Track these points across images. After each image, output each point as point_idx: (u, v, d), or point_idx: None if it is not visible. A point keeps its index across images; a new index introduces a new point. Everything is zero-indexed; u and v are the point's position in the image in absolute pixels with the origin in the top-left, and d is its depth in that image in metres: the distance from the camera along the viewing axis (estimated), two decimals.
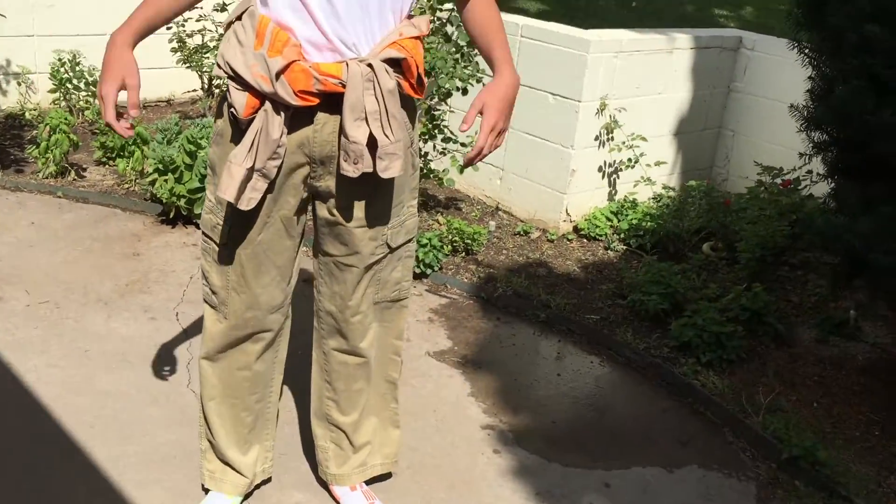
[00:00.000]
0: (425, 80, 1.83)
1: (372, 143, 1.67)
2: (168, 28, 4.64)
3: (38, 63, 4.74)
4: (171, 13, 1.71)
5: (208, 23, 4.52)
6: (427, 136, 3.77)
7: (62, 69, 4.55)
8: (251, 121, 1.66)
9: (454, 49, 3.60)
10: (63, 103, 4.63)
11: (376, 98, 1.66)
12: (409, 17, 1.76)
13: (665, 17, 6.49)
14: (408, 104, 1.78)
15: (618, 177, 4.03)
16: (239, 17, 1.69)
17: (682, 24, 6.12)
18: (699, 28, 4.56)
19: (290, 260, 1.85)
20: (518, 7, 6.77)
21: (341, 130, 1.67)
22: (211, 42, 4.60)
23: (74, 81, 4.57)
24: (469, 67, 3.58)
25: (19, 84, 4.71)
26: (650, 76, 3.96)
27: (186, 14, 4.51)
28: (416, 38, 1.73)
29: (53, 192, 3.79)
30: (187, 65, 4.63)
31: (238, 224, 1.77)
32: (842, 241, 2.23)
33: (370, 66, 1.65)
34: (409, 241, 1.93)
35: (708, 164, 4.42)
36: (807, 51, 2.43)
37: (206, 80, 4.79)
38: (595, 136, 3.86)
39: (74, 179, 3.97)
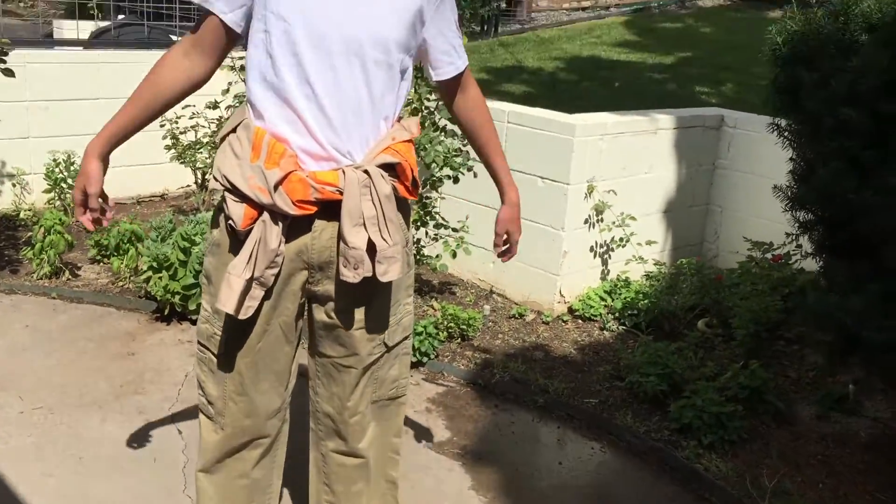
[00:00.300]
0: (419, 181, 1.87)
1: (370, 248, 1.69)
2: (161, 125, 4.73)
3: (32, 164, 4.81)
4: (143, 121, 1.76)
5: (201, 119, 4.60)
6: (419, 223, 3.81)
7: (57, 169, 4.61)
8: (249, 231, 1.68)
9: (444, 137, 3.67)
10: (58, 202, 4.68)
11: (373, 203, 1.69)
12: (399, 119, 1.81)
13: (648, 96, 6.64)
14: (402, 206, 1.81)
15: (609, 256, 4.06)
16: (234, 130, 1.73)
17: (664, 102, 6.26)
18: (682, 108, 4.67)
19: (288, 365, 1.85)
20: (503, 90, 6.93)
21: (340, 237, 1.69)
22: (204, 138, 4.68)
23: (69, 181, 4.62)
24: (460, 157, 3.64)
25: (14, 185, 4.77)
26: (636, 157, 4.03)
27: (179, 112, 4.63)
28: (408, 140, 1.78)
29: (48, 294, 3.80)
30: (181, 161, 4.70)
31: (236, 333, 1.77)
32: (834, 319, 2.24)
33: (366, 172, 1.68)
34: (406, 337, 1.94)
35: (698, 240, 4.46)
36: (786, 134, 2.49)
37: (199, 175, 4.85)
38: (585, 218, 3.90)
39: (69, 279, 3.98)
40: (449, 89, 1.90)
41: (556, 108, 5.95)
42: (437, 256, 3.94)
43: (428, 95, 3.70)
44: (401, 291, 1.87)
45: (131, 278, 3.94)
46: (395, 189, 1.73)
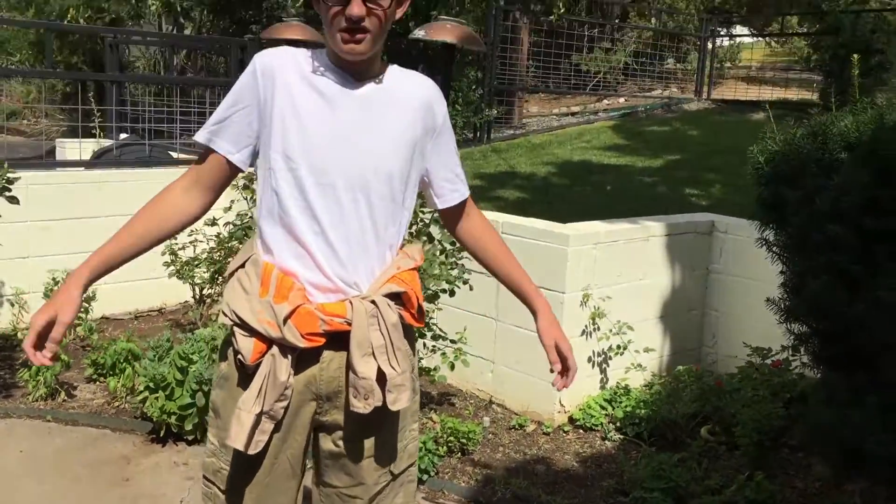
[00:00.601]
0: (425, 308, 1.89)
1: (380, 377, 1.70)
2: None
3: (31, 283, 4.83)
4: (134, 252, 1.72)
5: (200, 236, 4.66)
6: (417, 335, 3.81)
7: (56, 288, 4.63)
8: (258, 365, 1.68)
9: (439, 251, 3.71)
10: None
11: (381, 333, 1.70)
12: (402, 247, 1.84)
13: (639, 199, 6.74)
14: (408, 333, 1.82)
15: (608, 364, 4.05)
16: (242, 266, 1.76)
17: (655, 204, 6.35)
18: (673, 213, 4.74)
19: (294, 497, 1.82)
20: (497, 196, 7.04)
21: (349, 367, 1.70)
22: (202, 254, 4.73)
23: None
24: (455, 270, 3.67)
25: (12, 305, 4.79)
26: (630, 264, 4.08)
27: None
28: (413, 269, 1.81)
29: (43, 417, 3.76)
30: (179, 277, 4.73)
31: (244, 468, 1.74)
32: (836, 433, 2.23)
33: (373, 302, 1.70)
34: (412, 464, 1.92)
35: (696, 344, 4.46)
36: (775, 248, 2.54)
37: (197, 291, 4.88)
38: (582, 327, 3.91)
39: (64, 400, 3.95)
40: (453, 216, 1.93)
41: (550, 212, 6.04)
42: (435, 368, 3.92)
43: (422, 209, 3.76)
44: (407, 418, 1.86)
45: (127, 398, 3.91)
46: (401, 317, 1.75)
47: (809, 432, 2.50)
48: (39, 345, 1.63)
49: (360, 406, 1.69)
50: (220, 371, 1.80)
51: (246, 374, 1.71)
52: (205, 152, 1.75)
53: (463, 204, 1.92)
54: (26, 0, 9.14)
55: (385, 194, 1.72)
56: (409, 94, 1.76)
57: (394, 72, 1.77)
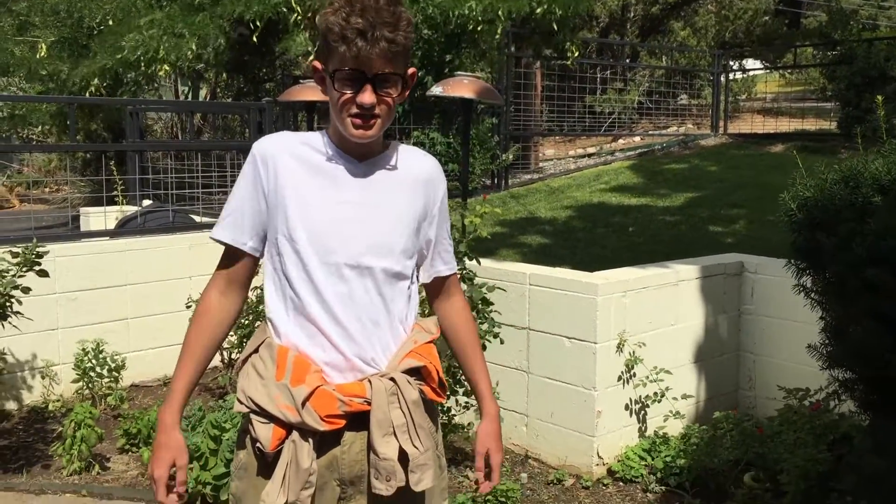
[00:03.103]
0: (445, 382, 1.86)
1: (402, 457, 1.66)
2: (187, 307, 4.81)
3: (61, 354, 4.85)
4: (202, 372, 1.77)
5: None
6: (449, 392, 3.78)
7: (86, 358, 4.65)
8: (278, 453, 1.66)
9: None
10: (86, 391, 4.69)
11: (402, 411, 1.68)
12: (417, 322, 1.82)
13: (663, 239, 6.71)
14: (430, 409, 1.79)
15: (646, 412, 3.98)
16: (256, 350, 1.74)
17: (679, 244, 6.33)
18: (699, 255, 4.70)
19: None
20: (519, 242, 7.04)
21: (370, 448, 1.66)
22: None
23: (98, 369, 4.65)
24: (485, 324, 3.65)
25: (43, 377, 4.80)
26: (661, 310, 4.03)
27: (197, 296, 4.71)
28: (430, 342, 1.79)
29: (78, 491, 3.74)
30: None
31: None
32: (888, 484, 2.16)
33: (392, 379, 1.68)
34: None
35: (732, 387, 4.39)
36: (812, 294, 2.49)
37: (226, 356, 4.88)
38: (617, 375, 3.86)
39: (98, 473, 3.93)
40: (434, 291, 1.92)
41: (573, 258, 6.03)
42: (469, 424, 3.88)
43: None
44: (435, 496, 1.82)
45: None
46: (422, 392, 1.73)
47: (860, 480, 2.43)
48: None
49: (383, 488, 1.65)
50: (238, 461, 1.76)
51: (266, 463, 1.68)
52: (229, 250, 1.77)
53: (445, 281, 1.90)
54: (48, 74, 9.36)
55: (390, 270, 1.72)
56: (410, 170, 1.78)
57: (396, 149, 1.79)
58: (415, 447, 1.67)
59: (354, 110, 1.65)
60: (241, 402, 1.71)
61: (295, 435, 1.65)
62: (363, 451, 1.69)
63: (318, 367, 1.67)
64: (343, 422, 1.66)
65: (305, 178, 1.70)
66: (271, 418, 1.66)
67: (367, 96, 1.63)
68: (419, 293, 1.86)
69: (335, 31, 1.61)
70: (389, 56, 1.62)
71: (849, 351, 2.31)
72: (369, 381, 1.67)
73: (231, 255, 1.77)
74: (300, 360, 1.67)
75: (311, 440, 1.65)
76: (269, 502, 1.63)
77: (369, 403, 1.66)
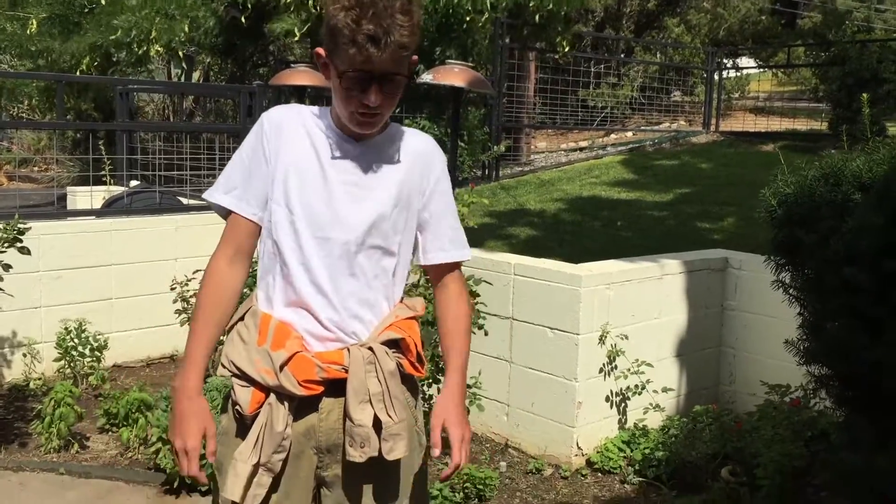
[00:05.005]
0: (424, 357, 1.87)
1: (377, 426, 1.68)
2: (172, 288, 4.79)
3: (43, 332, 4.83)
4: (215, 343, 1.75)
5: None
6: (431, 381, 3.78)
7: (68, 337, 4.63)
8: (256, 416, 1.68)
9: None
10: (68, 370, 4.67)
11: (378, 380, 1.70)
12: (402, 300, 1.84)
13: (651, 234, 6.72)
14: (409, 383, 1.81)
15: (626, 404, 4.00)
16: (241, 318, 1.76)
17: (667, 239, 6.33)
18: (685, 250, 4.72)
19: None
20: (507, 234, 7.03)
21: (346, 414, 1.68)
22: None
23: (80, 349, 4.63)
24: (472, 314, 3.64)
25: (24, 355, 4.78)
26: (644, 303, 4.04)
27: (189, 275, 4.69)
28: (412, 318, 1.80)
29: (56, 469, 3.73)
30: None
31: None
32: (862, 480, 2.18)
33: (370, 349, 1.70)
34: None
35: (713, 382, 4.41)
36: (791, 291, 2.51)
37: None
38: (598, 367, 3.87)
39: (77, 452, 3.93)
40: (433, 275, 1.90)
41: (561, 250, 6.03)
42: None
43: None
44: (410, 475, 1.82)
45: (141, 449, 3.88)
46: (400, 366, 1.75)
47: (835, 476, 2.45)
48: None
49: (357, 455, 1.67)
50: (221, 426, 1.78)
51: (244, 426, 1.71)
52: (234, 217, 1.75)
53: (441, 268, 1.86)
54: (38, 51, 9.28)
55: (380, 247, 1.74)
56: (407, 150, 1.80)
57: (393, 129, 1.81)
58: (389, 416, 1.69)
59: (360, 109, 1.66)
60: (223, 367, 1.73)
61: (272, 398, 1.67)
62: (340, 419, 1.71)
63: (300, 334, 1.69)
64: (320, 388, 1.69)
65: (306, 152, 1.72)
66: (251, 382, 1.68)
67: (374, 98, 1.64)
68: (415, 274, 1.87)
69: (345, 34, 1.59)
70: (398, 58, 1.62)
71: (825, 347, 2.32)
72: (348, 350, 1.70)
73: (235, 222, 1.76)
74: (282, 326, 1.69)
75: (286, 404, 1.67)
76: (240, 461, 1.65)
77: (347, 371, 1.67)
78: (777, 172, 2.50)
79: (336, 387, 1.69)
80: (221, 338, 1.76)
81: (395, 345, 1.75)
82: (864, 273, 2.08)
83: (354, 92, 1.64)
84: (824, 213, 2.26)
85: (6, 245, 3.78)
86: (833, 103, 9.90)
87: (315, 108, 1.79)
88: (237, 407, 1.70)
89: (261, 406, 1.68)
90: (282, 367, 1.65)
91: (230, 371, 1.72)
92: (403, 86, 1.69)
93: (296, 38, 8.29)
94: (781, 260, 2.45)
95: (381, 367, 1.70)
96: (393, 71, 1.63)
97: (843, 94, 9.29)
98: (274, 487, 1.71)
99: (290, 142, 1.72)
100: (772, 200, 2.42)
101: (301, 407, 1.70)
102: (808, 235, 2.30)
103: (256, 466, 1.66)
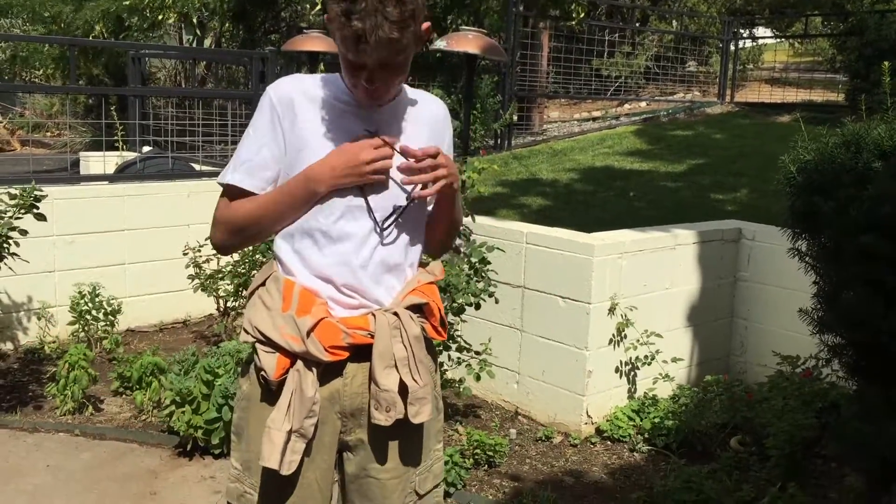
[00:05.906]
0: (448, 322, 1.87)
1: (402, 390, 1.69)
2: (184, 254, 4.81)
3: (57, 297, 4.87)
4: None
5: None
6: (442, 347, 3.79)
7: (82, 301, 4.66)
8: (282, 383, 1.68)
9: (467, 266, 3.69)
10: (82, 334, 4.71)
11: (404, 345, 1.70)
12: (422, 265, 1.84)
13: (664, 205, 6.69)
14: (430, 347, 1.82)
15: (636, 374, 4.00)
16: (263, 284, 1.76)
17: (680, 210, 6.30)
18: (698, 220, 4.69)
19: None
20: (519, 203, 7.01)
21: (371, 379, 1.69)
22: (226, 267, 4.73)
23: (94, 312, 4.67)
24: (481, 283, 3.65)
25: (39, 319, 4.82)
26: (656, 273, 4.03)
27: (202, 241, 4.71)
28: (432, 283, 1.81)
29: (70, 431, 3.77)
30: (204, 290, 4.75)
31: (273, 492, 1.73)
32: (873, 449, 2.18)
33: (395, 314, 1.71)
34: (437, 485, 1.90)
35: (724, 353, 4.41)
36: (807, 259, 2.49)
37: (221, 304, 4.89)
38: (609, 336, 3.87)
39: (92, 414, 3.97)
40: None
41: (573, 219, 6.01)
42: (460, 380, 3.90)
43: None
44: (431, 438, 1.85)
45: (154, 412, 3.92)
46: (423, 330, 1.75)
47: (845, 445, 2.45)
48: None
49: (382, 419, 1.68)
50: (241, 391, 1.79)
51: (270, 392, 1.71)
52: (239, 193, 1.73)
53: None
54: (51, 17, 9.25)
55: (408, 213, 1.73)
56: (420, 112, 1.79)
57: (405, 93, 1.79)
58: (414, 380, 1.70)
59: (362, 84, 1.64)
60: (247, 332, 1.73)
61: (299, 364, 1.67)
62: (364, 383, 1.71)
63: (324, 300, 1.69)
64: (346, 353, 1.69)
65: (321, 122, 1.70)
66: (276, 348, 1.68)
67: (371, 82, 1.62)
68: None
69: (335, 25, 1.57)
70: (390, 50, 1.58)
71: (840, 316, 2.31)
72: (373, 315, 1.70)
73: (232, 195, 1.75)
74: (306, 292, 1.69)
75: (314, 370, 1.67)
76: (274, 429, 1.65)
77: (372, 336, 1.68)
78: (797, 139, 2.47)
79: (360, 351, 1.70)
80: (243, 293, 1.74)
81: (418, 309, 1.75)
82: (883, 241, 2.06)
83: (354, 71, 1.63)
84: (844, 180, 2.24)
85: (23, 211, 3.80)
86: (851, 74, 9.77)
87: (323, 75, 1.76)
88: (262, 373, 1.70)
89: (286, 372, 1.68)
90: (308, 334, 1.65)
91: (254, 337, 1.71)
92: (405, 65, 1.65)
93: (317, 6, 8.19)
94: (798, 228, 2.43)
95: (406, 332, 1.70)
96: (385, 61, 1.59)
97: (860, 64, 9.15)
98: (305, 452, 1.72)
99: (301, 111, 1.70)
100: (791, 167, 2.39)
101: (325, 372, 1.70)
102: (826, 203, 2.28)
103: (289, 433, 1.66)
